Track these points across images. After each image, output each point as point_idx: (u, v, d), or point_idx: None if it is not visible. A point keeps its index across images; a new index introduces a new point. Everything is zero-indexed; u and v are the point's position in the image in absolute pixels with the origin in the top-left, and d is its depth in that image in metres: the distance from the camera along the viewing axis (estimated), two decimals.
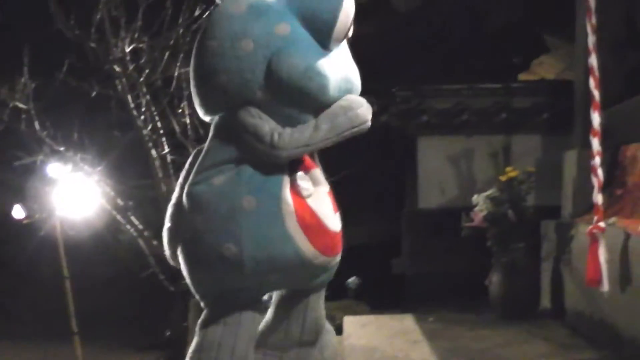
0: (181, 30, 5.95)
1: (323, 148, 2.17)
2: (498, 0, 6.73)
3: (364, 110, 2.18)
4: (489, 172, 4.83)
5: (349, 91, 2.20)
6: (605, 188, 3.56)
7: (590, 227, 3.30)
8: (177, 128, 6.11)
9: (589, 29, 3.55)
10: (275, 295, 2.43)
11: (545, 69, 7.15)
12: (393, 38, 6.85)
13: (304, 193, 2.16)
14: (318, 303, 2.42)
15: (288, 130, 2.11)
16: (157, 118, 6.04)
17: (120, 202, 6.24)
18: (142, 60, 5.99)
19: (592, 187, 3.41)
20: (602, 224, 3.27)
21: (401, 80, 5.98)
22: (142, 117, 5.98)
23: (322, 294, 2.43)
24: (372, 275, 6.24)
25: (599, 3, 3.58)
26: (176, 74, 5.93)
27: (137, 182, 6.57)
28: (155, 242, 5.95)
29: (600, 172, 3.40)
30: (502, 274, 4.38)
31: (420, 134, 5.77)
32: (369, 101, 2.23)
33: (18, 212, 6.27)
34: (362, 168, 5.92)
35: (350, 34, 2.20)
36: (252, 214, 2.09)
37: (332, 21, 2.12)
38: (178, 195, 2.30)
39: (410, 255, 5.77)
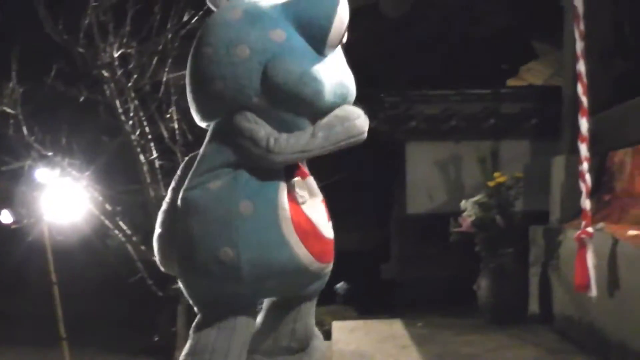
0: (169, 36, 5.95)
1: (318, 156, 2.17)
2: (487, 6, 6.76)
3: (361, 122, 2.19)
4: (477, 178, 4.83)
5: (344, 96, 2.21)
6: (593, 193, 3.59)
7: (579, 232, 3.32)
8: (165, 133, 6.10)
9: (577, 36, 3.57)
10: (267, 301, 2.42)
11: (534, 74, 7.17)
12: (381, 43, 6.87)
13: (300, 200, 2.17)
14: (309, 312, 2.42)
15: (284, 135, 2.11)
16: (145, 123, 6.02)
17: (108, 207, 6.20)
18: (131, 66, 5.96)
19: (580, 193, 3.44)
20: (590, 229, 3.30)
21: (389, 86, 6.00)
22: (131, 122, 5.96)
23: (314, 303, 2.43)
24: (361, 280, 6.25)
25: (588, 10, 3.61)
26: (164, 79, 5.93)
27: (126, 187, 6.56)
28: (143, 247, 5.93)
29: (588, 177, 3.42)
30: (490, 279, 4.40)
31: (409, 140, 5.79)
32: (358, 107, 2.24)
33: (6, 217, 6.24)
34: (350, 174, 5.92)
35: (344, 39, 2.21)
36: (249, 218, 2.08)
37: (327, 27, 2.12)
38: (170, 201, 2.29)
39: (399, 261, 5.78)
